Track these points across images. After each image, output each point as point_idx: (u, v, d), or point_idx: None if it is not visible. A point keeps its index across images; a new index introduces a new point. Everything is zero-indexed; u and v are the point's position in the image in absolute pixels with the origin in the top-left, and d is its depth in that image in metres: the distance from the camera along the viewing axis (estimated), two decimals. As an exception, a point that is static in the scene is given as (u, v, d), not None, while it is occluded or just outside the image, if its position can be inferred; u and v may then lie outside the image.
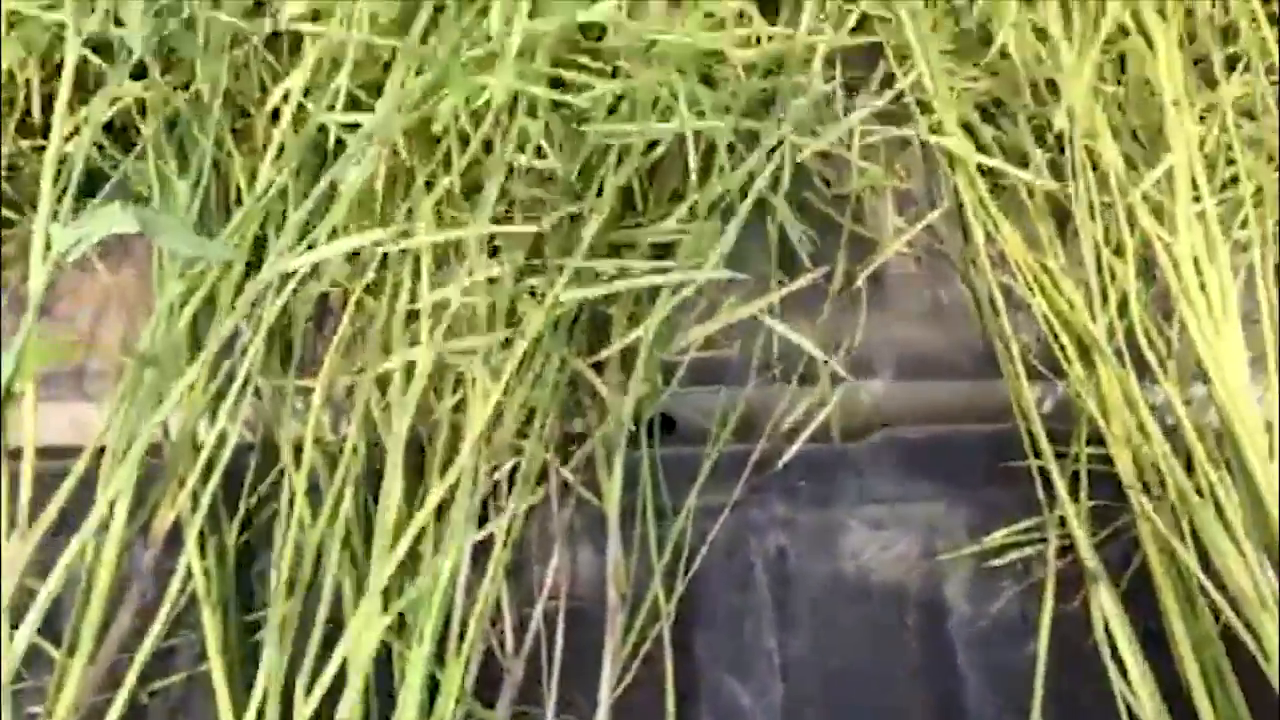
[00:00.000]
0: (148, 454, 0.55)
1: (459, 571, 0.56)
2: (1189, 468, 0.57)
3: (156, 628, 0.54)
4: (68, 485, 0.50)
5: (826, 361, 0.65)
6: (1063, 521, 0.58)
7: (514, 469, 0.60)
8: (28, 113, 0.67)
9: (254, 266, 0.64)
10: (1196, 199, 0.61)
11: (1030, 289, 0.64)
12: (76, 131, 0.62)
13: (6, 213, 0.69)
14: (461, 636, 0.54)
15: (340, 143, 0.66)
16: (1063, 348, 0.64)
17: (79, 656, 0.49)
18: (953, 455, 0.66)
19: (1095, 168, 0.66)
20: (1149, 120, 0.69)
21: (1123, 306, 0.64)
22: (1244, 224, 0.63)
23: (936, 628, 0.60)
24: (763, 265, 0.68)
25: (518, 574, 0.60)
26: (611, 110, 0.64)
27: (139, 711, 0.57)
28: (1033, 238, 0.68)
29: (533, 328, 0.57)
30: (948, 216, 0.72)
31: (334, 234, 0.58)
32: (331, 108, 0.64)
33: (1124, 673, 0.54)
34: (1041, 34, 0.69)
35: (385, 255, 0.65)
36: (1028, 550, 0.60)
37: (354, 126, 0.64)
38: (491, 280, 0.62)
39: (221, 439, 0.58)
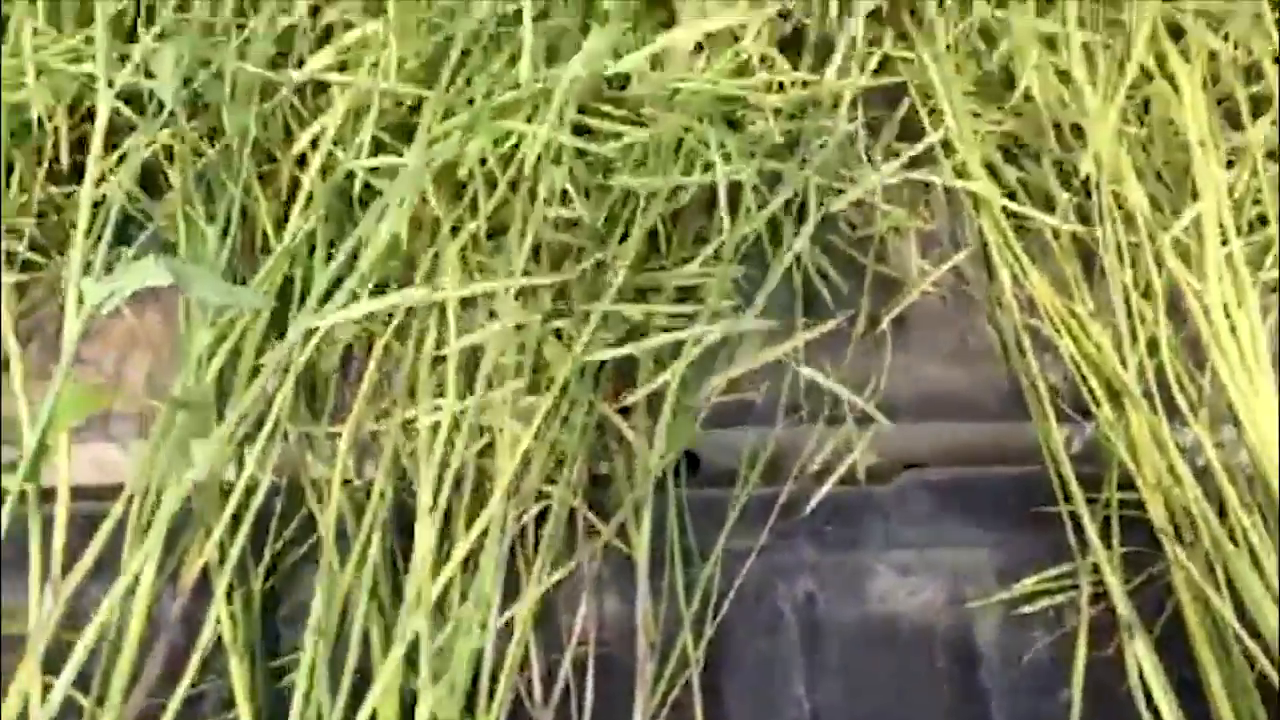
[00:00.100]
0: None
1: (488, 620, 0.55)
2: (1221, 513, 0.57)
3: (186, 678, 0.54)
4: (102, 534, 0.50)
5: (848, 402, 0.65)
6: (1095, 567, 0.58)
7: (541, 513, 0.60)
8: (55, 159, 0.68)
9: (281, 311, 0.65)
10: (1224, 241, 0.61)
11: (1058, 331, 0.64)
12: (104, 178, 0.63)
13: (33, 255, 0.69)
14: (491, 685, 0.54)
15: (368, 187, 0.67)
16: (1091, 390, 0.64)
17: (109, 709, 0.49)
18: (980, 498, 0.65)
19: (1120, 208, 0.66)
20: (1174, 159, 0.69)
21: (1151, 348, 0.63)
22: (1272, 265, 0.63)
23: (968, 674, 0.60)
24: (786, 306, 0.68)
25: (546, 620, 0.60)
26: (638, 160, 0.64)
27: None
28: (1059, 278, 0.68)
29: (561, 376, 0.57)
30: (973, 257, 0.72)
31: (362, 282, 0.58)
32: (358, 154, 0.65)
33: (1159, 721, 0.54)
34: (1064, 76, 0.69)
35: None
36: (1059, 597, 0.60)
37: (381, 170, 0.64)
38: (518, 326, 0.62)
39: (252, 486, 0.58)
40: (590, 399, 0.62)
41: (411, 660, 0.54)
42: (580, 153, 0.65)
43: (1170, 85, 0.66)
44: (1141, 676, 0.55)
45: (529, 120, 0.64)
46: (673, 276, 0.66)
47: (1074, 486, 0.61)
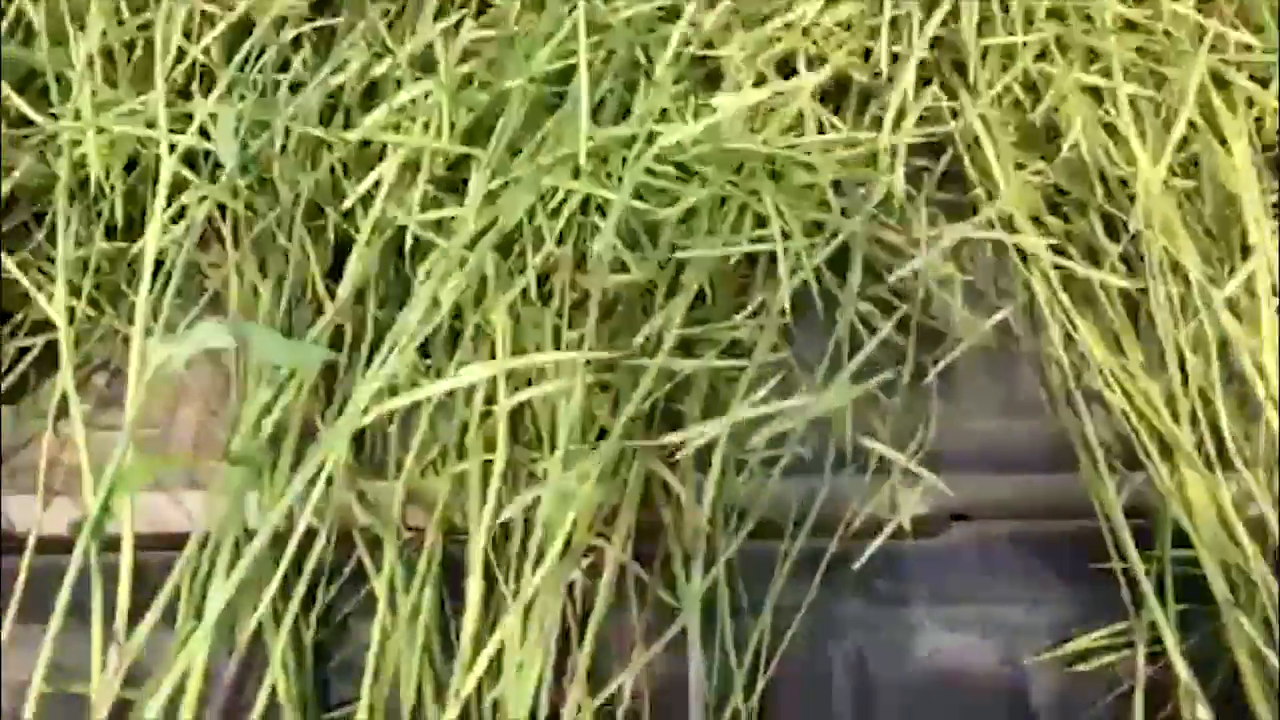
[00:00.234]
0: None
1: (542, 677, 0.55)
2: (1278, 571, 0.57)
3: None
4: (165, 591, 0.50)
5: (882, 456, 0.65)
6: (1151, 624, 0.58)
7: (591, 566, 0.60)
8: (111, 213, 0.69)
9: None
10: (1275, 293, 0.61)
11: (1108, 384, 0.64)
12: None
13: (87, 309, 0.70)
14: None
15: (416, 240, 0.68)
16: (1142, 444, 0.64)
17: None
18: (1031, 553, 0.65)
19: (1168, 257, 0.66)
20: (1219, 208, 0.69)
21: (1203, 401, 0.63)
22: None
23: (1022, 733, 0.59)
24: (835, 361, 0.68)
25: (597, 675, 0.60)
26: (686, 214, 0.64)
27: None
28: (1106, 328, 0.67)
29: (615, 433, 0.57)
30: (1018, 307, 0.72)
31: (413, 341, 0.59)
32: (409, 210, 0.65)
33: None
34: (1110, 128, 0.69)
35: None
36: (1115, 654, 0.59)
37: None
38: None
39: (308, 537, 0.58)
40: (638, 450, 0.62)
41: (465, 715, 0.54)
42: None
43: (1216, 137, 0.66)
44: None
45: (577, 176, 0.64)
46: (719, 329, 0.67)
47: (1128, 542, 0.60)
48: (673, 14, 0.71)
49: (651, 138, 0.63)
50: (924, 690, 0.60)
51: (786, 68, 0.76)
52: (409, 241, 0.67)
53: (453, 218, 0.64)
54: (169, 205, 0.65)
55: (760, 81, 0.70)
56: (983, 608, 0.63)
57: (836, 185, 0.71)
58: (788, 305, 0.63)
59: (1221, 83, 0.71)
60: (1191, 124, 0.68)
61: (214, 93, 0.62)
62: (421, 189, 0.65)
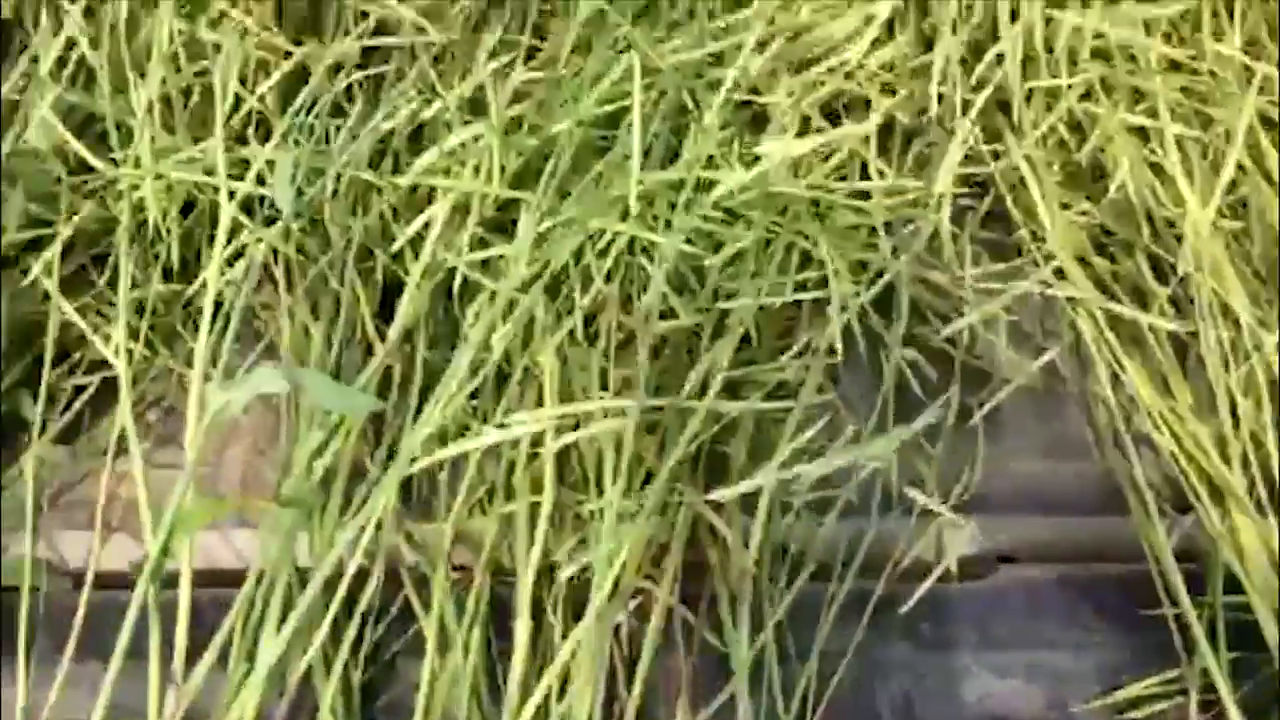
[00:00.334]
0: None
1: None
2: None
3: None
4: (222, 630, 0.51)
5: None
6: (1203, 671, 0.57)
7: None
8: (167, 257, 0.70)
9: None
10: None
11: (1157, 427, 0.63)
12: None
13: (143, 350, 0.71)
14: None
15: (466, 280, 0.68)
16: (1192, 487, 0.63)
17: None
18: (1079, 597, 0.65)
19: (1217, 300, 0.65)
20: (1268, 250, 0.68)
21: (1254, 444, 0.63)
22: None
23: (1071, 782, 0.59)
24: (875, 397, 0.68)
25: (643, 715, 0.60)
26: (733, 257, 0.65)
27: None
28: (1154, 369, 0.67)
29: (662, 477, 0.57)
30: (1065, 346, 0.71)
31: (463, 385, 0.59)
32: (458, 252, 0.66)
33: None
34: (1156, 169, 0.69)
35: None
36: (1165, 702, 0.59)
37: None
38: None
39: (358, 579, 0.59)
40: (684, 492, 0.63)
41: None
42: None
43: (1265, 179, 0.66)
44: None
45: (625, 219, 0.65)
46: (764, 370, 0.67)
47: (1180, 587, 0.60)
48: (718, 57, 0.71)
49: (700, 183, 0.63)
50: (972, 736, 0.60)
51: (830, 108, 0.77)
52: (457, 282, 0.68)
53: (501, 256, 0.65)
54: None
55: (806, 124, 0.70)
56: (1030, 653, 0.63)
57: (882, 224, 0.72)
58: (839, 345, 0.63)
59: (1269, 123, 0.71)
60: (1239, 165, 0.68)
61: (270, 139, 0.63)
62: (470, 231, 0.66)
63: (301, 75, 0.71)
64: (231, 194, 0.56)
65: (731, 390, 0.66)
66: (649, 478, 0.62)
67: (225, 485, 0.70)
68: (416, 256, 0.68)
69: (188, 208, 0.71)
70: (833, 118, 0.76)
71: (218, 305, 0.59)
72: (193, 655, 0.55)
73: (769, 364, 0.67)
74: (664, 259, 0.61)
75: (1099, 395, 0.67)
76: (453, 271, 0.68)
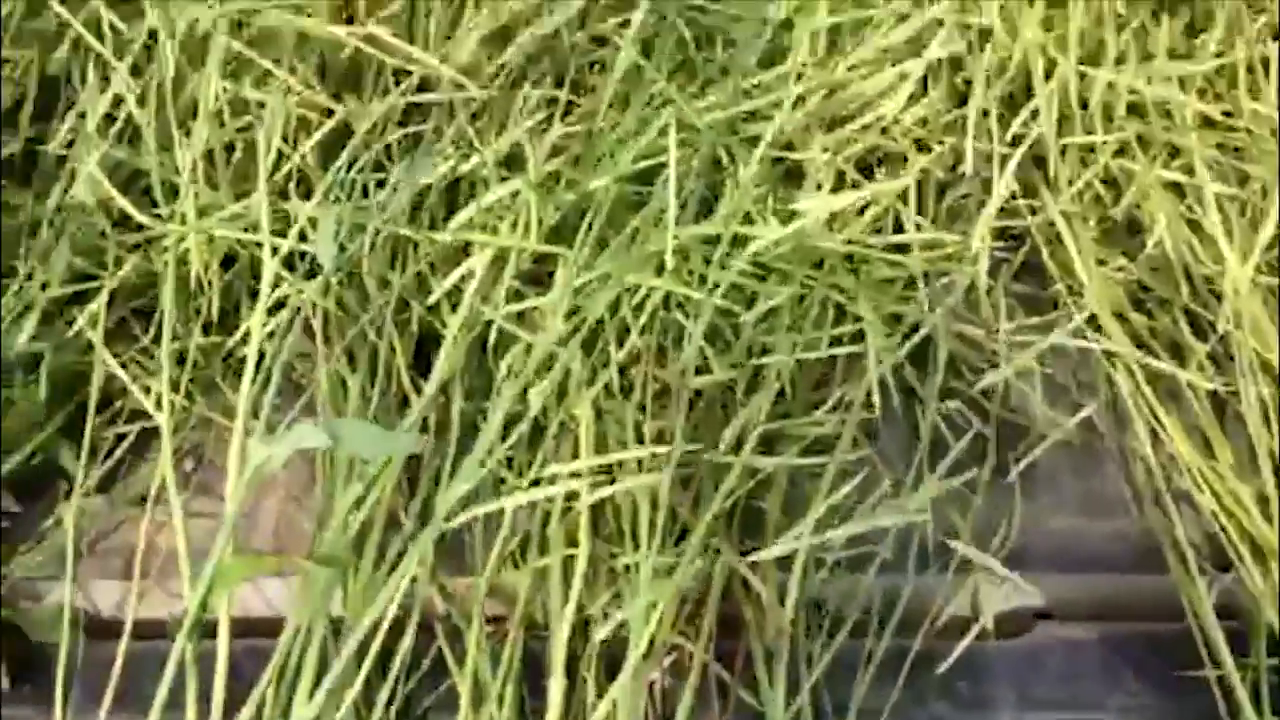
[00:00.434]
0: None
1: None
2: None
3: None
4: (264, 681, 0.51)
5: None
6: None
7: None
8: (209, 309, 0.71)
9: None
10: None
11: (1197, 485, 0.63)
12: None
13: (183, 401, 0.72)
14: None
15: (501, 332, 0.69)
16: (1233, 545, 0.62)
17: None
18: (1119, 656, 0.64)
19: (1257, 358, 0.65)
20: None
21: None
22: None
23: None
24: (912, 452, 0.68)
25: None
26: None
27: None
28: (1193, 424, 0.67)
29: (698, 534, 0.57)
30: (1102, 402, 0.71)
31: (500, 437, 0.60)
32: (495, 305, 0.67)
33: None
34: (1194, 225, 0.69)
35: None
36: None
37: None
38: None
39: (398, 630, 0.59)
40: (720, 549, 0.62)
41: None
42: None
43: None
44: None
45: (660, 272, 0.65)
46: (800, 424, 0.67)
47: (1222, 647, 0.59)
48: (752, 113, 0.72)
49: (736, 239, 0.64)
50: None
51: (864, 161, 0.77)
52: (493, 334, 0.68)
53: (536, 309, 0.65)
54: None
55: (840, 178, 0.71)
56: (1071, 714, 0.62)
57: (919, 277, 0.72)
58: (877, 401, 0.63)
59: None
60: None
61: (311, 194, 0.64)
62: (507, 284, 0.66)
63: (342, 131, 0.72)
64: (275, 250, 0.57)
65: (766, 444, 0.66)
66: (684, 532, 0.62)
67: (259, 534, 0.70)
68: (453, 308, 0.69)
69: (228, 260, 0.72)
70: (866, 170, 0.77)
71: (259, 358, 0.59)
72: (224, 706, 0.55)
73: (804, 417, 0.67)
74: (700, 315, 0.61)
75: (1137, 452, 0.67)
76: (489, 324, 0.68)
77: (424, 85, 0.74)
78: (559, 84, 0.77)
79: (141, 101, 0.71)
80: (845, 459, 0.65)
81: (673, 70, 0.76)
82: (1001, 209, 0.76)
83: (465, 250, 0.71)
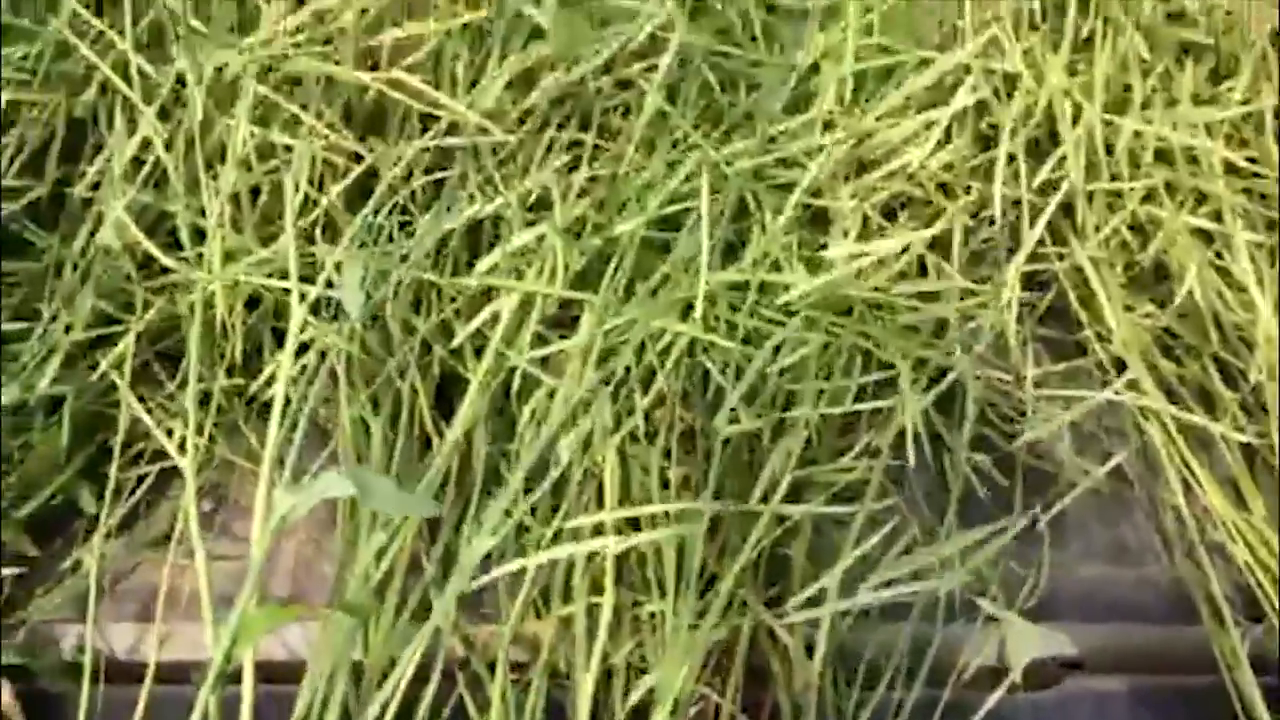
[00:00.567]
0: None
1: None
2: None
3: None
4: None
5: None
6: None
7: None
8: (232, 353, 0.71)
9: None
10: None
11: (1230, 536, 0.62)
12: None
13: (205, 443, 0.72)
14: None
15: (525, 376, 0.68)
16: (1266, 596, 0.62)
17: None
18: (1148, 710, 0.63)
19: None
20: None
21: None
22: None
23: None
24: (940, 500, 0.68)
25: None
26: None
27: None
28: (1223, 473, 0.66)
29: (727, 584, 0.57)
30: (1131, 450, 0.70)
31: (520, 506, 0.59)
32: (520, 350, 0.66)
33: None
34: (1222, 271, 0.69)
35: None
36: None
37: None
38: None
39: (421, 678, 0.58)
40: (747, 599, 0.62)
41: None
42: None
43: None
44: None
45: (685, 319, 0.65)
46: (827, 471, 0.66)
47: (1257, 702, 0.58)
48: (780, 159, 0.72)
49: (764, 286, 0.64)
50: None
51: (888, 206, 0.77)
52: (517, 379, 0.68)
53: (562, 353, 0.65)
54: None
55: (866, 223, 0.70)
56: (1104, 771, 0.61)
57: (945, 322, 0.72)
58: (911, 453, 0.63)
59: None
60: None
61: (337, 238, 0.64)
62: (532, 328, 0.66)
63: (369, 175, 0.73)
64: (302, 296, 0.57)
65: (793, 490, 0.66)
66: (711, 580, 0.61)
67: (277, 576, 0.70)
68: (477, 353, 0.69)
69: (252, 301, 0.72)
70: (889, 215, 0.76)
71: (285, 403, 0.59)
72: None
73: (830, 464, 0.66)
74: (731, 363, 0.60)
75: (1167, 501, 0.66)
76: (513, 368, 0.68)
77: (450, 130, 0.74)
78: (584, 128, 0.77)
79: (169, 145, 0.71)
80: (874, 507, 0.64)
81: (698, 115, 0.76)
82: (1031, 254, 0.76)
83: (489, 294, 0.71)
